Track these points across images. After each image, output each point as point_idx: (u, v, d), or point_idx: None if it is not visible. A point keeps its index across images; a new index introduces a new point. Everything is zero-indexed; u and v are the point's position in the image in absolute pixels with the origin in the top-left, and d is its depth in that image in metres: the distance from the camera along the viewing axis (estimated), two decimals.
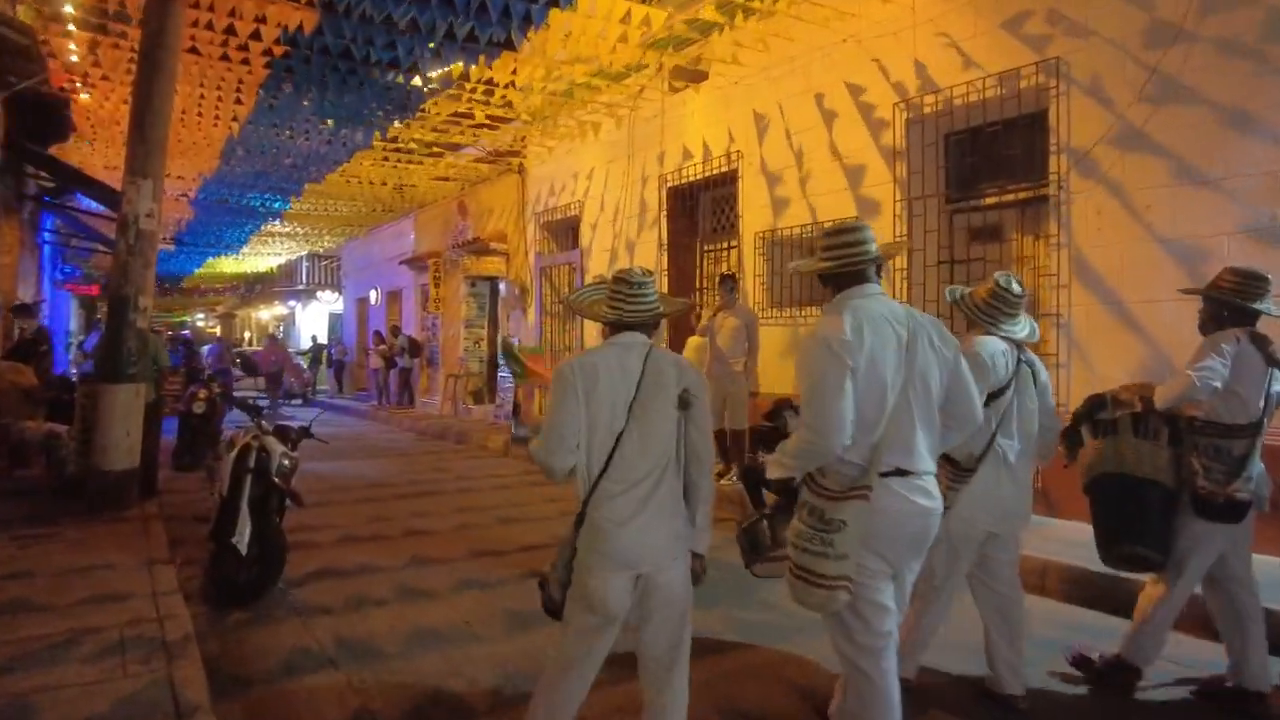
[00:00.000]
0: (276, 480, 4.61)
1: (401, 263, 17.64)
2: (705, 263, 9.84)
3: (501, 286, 13.65)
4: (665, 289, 9.67)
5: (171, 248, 19.27)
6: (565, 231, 12.43)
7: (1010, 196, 6.37)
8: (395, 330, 17.38)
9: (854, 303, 2.43)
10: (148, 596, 3.84)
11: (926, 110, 6.72)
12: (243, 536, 4.36)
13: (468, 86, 8.63)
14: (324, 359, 22.47)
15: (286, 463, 4.71)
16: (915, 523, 2.40)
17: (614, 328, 2.46)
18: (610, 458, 2.30)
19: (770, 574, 2.88)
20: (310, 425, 5.08)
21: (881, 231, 7.02)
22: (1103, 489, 3.26)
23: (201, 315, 41.17)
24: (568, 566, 2.35)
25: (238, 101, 8.98)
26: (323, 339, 25.24)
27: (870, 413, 2.32)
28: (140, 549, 4.75)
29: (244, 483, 4.52)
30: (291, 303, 30.08)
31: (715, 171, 8.93)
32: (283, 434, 4.85)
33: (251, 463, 4.60)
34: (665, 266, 9.67)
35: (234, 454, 4.71)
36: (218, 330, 37.84)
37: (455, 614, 4.25)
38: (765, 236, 8.24)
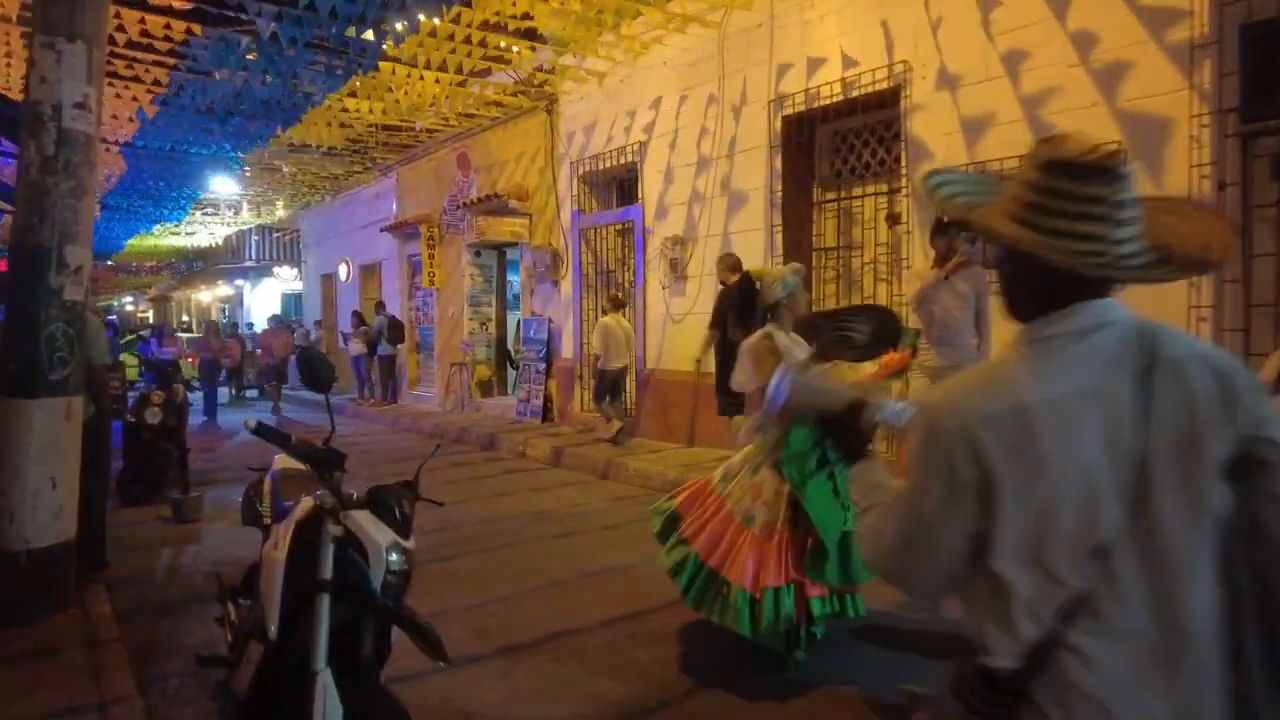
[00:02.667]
0: (382, 600, 2.28)
1: (382, 230, 14.91)
2: (823, 219, 7.64)
3: (527, 255, 11.14)
4: (781, 251, 7.45)
5: (95, 213, 16.12)
6: (613, 183, 10.06)
7: None
8: (379, 307, 14.57)
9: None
10: None
11: None
12: None
13: None
14: None
15: (396, 559, 2.33)
16: None
17: (1047, 293, 1.09)
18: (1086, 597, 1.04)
19: None
20: (418, 478, 2.68)
21: (1170, 163, 4.97)
22: None
23: (130, 298, 37.18)
24: None
25: None
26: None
27: None
28: None
29: (320, 613, 2.19)
30: (239, 281, 26.73)
31: (864, 91, 6.71)
32: (378, 503, 2.45)
33: (329, 569, 2.26)
34: (779, 223, 7.45)
35: (284, 547, 2.36)
36: (149, 316, 34.13)
37: None
38: None
